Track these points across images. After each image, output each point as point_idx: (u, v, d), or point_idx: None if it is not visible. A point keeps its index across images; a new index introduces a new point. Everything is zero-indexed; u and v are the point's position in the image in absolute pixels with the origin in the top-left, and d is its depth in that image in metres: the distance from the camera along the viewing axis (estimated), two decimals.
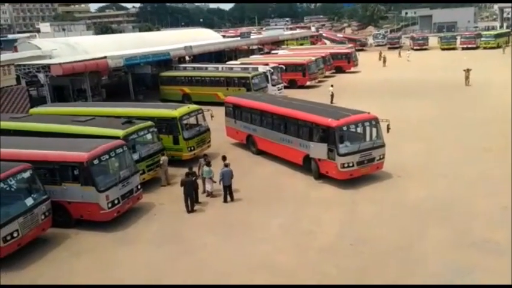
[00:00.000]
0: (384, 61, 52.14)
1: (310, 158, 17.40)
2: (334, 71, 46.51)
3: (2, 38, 65.22)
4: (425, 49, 68.47)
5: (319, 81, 41.27)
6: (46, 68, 27.35)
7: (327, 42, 76.30)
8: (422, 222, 13.85)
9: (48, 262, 12.59)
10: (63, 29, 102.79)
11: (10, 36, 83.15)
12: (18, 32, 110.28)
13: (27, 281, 11.69)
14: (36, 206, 12.92)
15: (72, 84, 31.62)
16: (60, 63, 27.18)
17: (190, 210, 15.26)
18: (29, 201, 12.82)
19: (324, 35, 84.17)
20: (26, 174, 12.99)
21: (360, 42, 76.08)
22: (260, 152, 20.90)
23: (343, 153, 16.14)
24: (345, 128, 16.45)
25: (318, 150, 16.75)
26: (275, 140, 19.39)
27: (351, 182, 16.85)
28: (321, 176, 17.39)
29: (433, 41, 70.84)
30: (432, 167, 18.40)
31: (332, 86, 32.59)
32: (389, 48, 71.98)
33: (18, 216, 12.28)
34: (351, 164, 16.30)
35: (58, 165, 13.94)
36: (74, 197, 13.90)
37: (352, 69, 48.36)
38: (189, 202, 15.26)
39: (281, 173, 18.96)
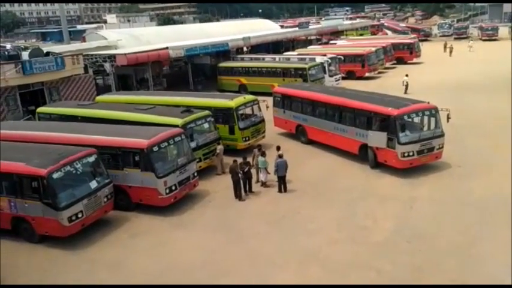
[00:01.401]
0: (451, 51, 49.66)
1: (367, 147, 17.40)
2: (395, 62, 44.98)
3: (71, 29, 68.86)
4: (495, 40, 64.34)
5: (379, 73, 40.16)
6: (112, 57, 28.62)
7: (389, 32, 73.75)
8: (484, 220, 13.20)
9: (108, 242, 13.28)
10: (128, 20, 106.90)
11: (79, 27, 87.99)
12: (86, 23, 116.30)
13: (89, 260, 12.40)
14: (99, 189, 13.62)
15: (135, 73, 32.88)
16: (125, 54, 28.31)
17: (239, 198, 15.51)
18: (93, 184, 13.54)
19: (385, 24, 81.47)
20: (91, 159, 13.73)
21: (424, 33, 72.71)
22: (310, 142, 20.92)
23: (403, 142, 16.15)
24: (405, 117, 16.53)
25: (377, 139, 16.76)
26: (328, 129, 19.39)
27: (408, 174, 16.57)
28: (377, 165, 17.36)
29: (504, 31, 66.47)
30: (497, 163, 17.38)
31: (407, 75, 31.47)
32: (455, 38, 68.31)
33: (82, 198, 13.01)
34: (411, 153, 16.32)
35: (120, 151, 14.60)
36: (134, 182, 14.53)
37: (415, 60, 46.49)
38: (238, 189, 15.55)
39: (335, 164, 18.76)
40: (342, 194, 15.66)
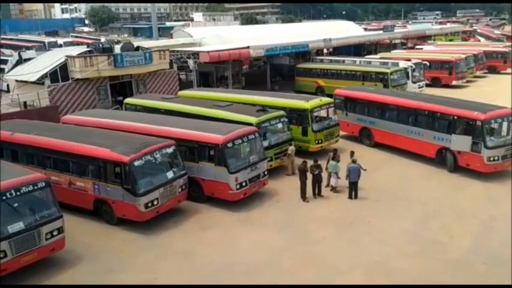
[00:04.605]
0: None
1: (445, 150, 17.64)
2: (486, 71, 42.10)
3: (160, 25, 72.55)
4: None
5: (467, 81, 37.79)
6: (195, 54, 29.69)
7: (482, 39, 69.05)
8: None
9: (179, 231, 13.87)
10: (214, 19, 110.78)
11: (168, 24, 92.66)
12: (175, 21, 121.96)
13: (161, 245, 13.04)
14: (175, 179, 14.26)
15: (216, 71, 33.87)
16: (207, 51, 29.24)
17: (303, 198, 15.51)
18: (170, 174, 14.20)
19: (478, 31, 76.32)
20: (170, 150, 14.42)
21: None
22: (376, 145, 20.86)
23: (490, 146, 16.33)
24: (492, 121, 16.79)
25: (460, 142, 16.89)
26: (400, 132, 19.34)
27: (489, 189, 15.99)
28: (456, 169, 17.49)
29: None
30: None
31: None
32: None
33: (159, 186, 13.70)
34: (496, 158, 16.52)
35: (197, 145, 15.18)
36: (207, 175, 15.04)
37: (509, 70, 43.11)
38: (304, 190, 15.60)
39: (411, 171, 18.17)
40: (416, 206, 15.03)
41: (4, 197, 10.78)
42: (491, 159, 16.42)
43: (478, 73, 40.55)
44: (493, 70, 42.49)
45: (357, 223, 14.04)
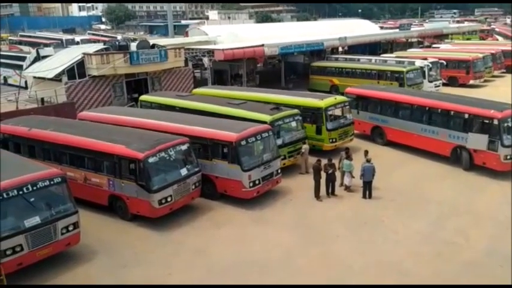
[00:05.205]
0: None
1: (461, 149, 17.66)
2: (504, 70, 41.36)
3: (176, 23, 72.84)
4: None
5: (485, 81, 37.21)
6: (210, 52, 29.78)
7: (500, 38, 67.83)
8: None
9: (192, 228, 13.94)
10: (229, 17, 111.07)
11: (183, 22, 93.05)
12: (190, 19, 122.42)
13: (174, 242, 13.13)
14: (189, 177, 14.33)
15: (230, 69, 33.93)
16: (222, 49, 29.30)
17: (317, 197, 15.47)
18: (184, 171, 14.27)
19: (496, 29, 74.98)
20: (184, 147, 14.50)
21: None
22: (388, 143, 20.89)
23: (507, 144, 16.41)
24: (509, 120, 16.71)
25: (477, 141, 16.96)
26: (414, 131, 19.32)
27: (504, 189, 15.71)
28: (471, 168, 17.54)
29: None
30: None
31: None
32: None
33: (173, 183, 13.78)
34: None
35: (211, 142, 15.24)
36: (221, 173, 15.09)
37: None
38: (318, 189, 15.55)
39: (426, 171, 18.00)
40: (432, 207, 14.86)
41: (21, 192, 10.96)
42: (508, 157, 16.46)
43: (496, 73, 39.91)
44: (510, 70, 41.69)
45: (370, 223, 13.95)
